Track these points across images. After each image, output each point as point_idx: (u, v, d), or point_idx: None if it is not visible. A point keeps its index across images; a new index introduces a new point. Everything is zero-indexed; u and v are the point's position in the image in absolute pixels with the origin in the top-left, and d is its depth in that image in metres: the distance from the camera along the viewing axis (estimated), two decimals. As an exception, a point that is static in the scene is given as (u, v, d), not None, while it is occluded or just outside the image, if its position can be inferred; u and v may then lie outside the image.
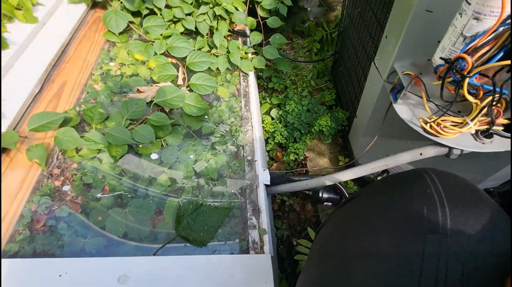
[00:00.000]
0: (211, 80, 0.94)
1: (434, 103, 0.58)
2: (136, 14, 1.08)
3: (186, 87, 0.94)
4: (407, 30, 0.57)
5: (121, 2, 1.01)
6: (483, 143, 0.55)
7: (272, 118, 1.23)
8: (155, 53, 1.00)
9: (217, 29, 1.09)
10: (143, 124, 0.76)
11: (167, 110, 0.86)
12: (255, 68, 1.12)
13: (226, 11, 1.07)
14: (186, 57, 0.99)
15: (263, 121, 1.20)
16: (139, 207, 0.67)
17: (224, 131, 0.89)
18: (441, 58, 0.47)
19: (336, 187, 0.85)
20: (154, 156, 0.76)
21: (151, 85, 0.91)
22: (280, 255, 0.99)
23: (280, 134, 1.16)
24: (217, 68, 1.03)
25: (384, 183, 0.41)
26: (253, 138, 0.89)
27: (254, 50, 1.15)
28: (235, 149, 0.86)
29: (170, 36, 1.02)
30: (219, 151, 0.83)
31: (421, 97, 0.59)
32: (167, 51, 1.01)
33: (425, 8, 0.52)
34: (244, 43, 1.19)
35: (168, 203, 0.70)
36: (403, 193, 0.35)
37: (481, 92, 0.50)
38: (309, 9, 1.68)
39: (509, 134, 0.54)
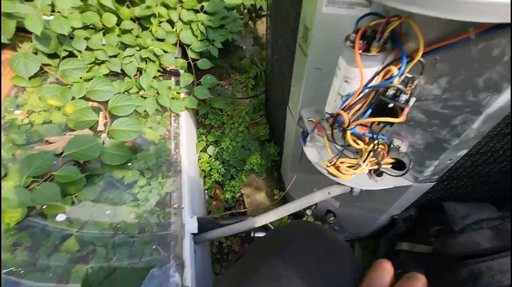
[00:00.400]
0: (135, 124, 0.90)
1: (335, 146, 0.64)
2: (53, 55, 1.01)
3: (108, 134, 0.89)
4: (305, 83, 0.63)
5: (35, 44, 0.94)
6: (376, 181, 0.61)
7: (210, 156, 1.22)
8: (73, 98, 0.94)
9: (145, 70, 1.07)
10: (47, 182, 0.69)
11: (81, 162, 0.79)
12: (187, 109, 1.12)
13: (154, 53, 1.07)
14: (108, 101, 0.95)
15: (199, 159, 1.18)
16: (36, 283, 0.58)
17: (150, 179, 0.84)
18: (326, 112, 0.52)
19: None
20: (60, 217, 0.68)
21: (65, 134, 0.84)
22: (219, 303, 0.94)
23: (217, 172, 1.15)
24: (145, 111, 1.00)
25: (262, 244, 0.44)
26: (181, 183, 0.86)
27: (186, 91, 1.15)
28: (160, 198, 0.81)
29: (91, 79, 0.98)
30: (141, 202, 0.78)
31: (326, 141, 0.64)
32: (87, 95, 0.95)
33: (315, 66, 0.58)
34: (178, 82, 1.19)
35: (75, 272, 0.62)
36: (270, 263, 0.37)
37: (366, 138, 0.57)
38: (244, 47, 1.79)
39: (396, 173, 0.61)
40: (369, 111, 0.48)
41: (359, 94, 0.47)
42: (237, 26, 1.28)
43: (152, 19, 1.06)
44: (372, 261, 0.95)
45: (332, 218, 0.91)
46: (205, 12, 1.19)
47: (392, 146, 0.57)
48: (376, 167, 0.61)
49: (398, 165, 0.63)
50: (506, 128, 0.53)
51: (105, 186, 0.79)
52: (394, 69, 0.43)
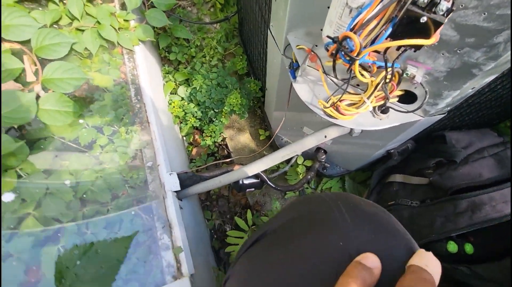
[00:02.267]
0: (75, 69, 0.70)
1: (332, 80, 0.52)
2: None
3: (42, 85, 0.69)
4: (293, -7, 0.45)
5: None
6: (381, 119, 0.52)
7: (182, 98, 1.05)
8: (-21, 39, 0.69)
9: (73, -9, 0.79)
10: (-28, 158, 0.54)
11: (17, 126, 0.62)
12: (142, 42, 0.89)
13: (79, -37, 0.77)
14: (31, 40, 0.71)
15: (170, 104, 1.02)
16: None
17: (112, 136, 0.71)
18: (327, 37, 0.38)
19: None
20: (8, 197, 0.56)
21: (-18, 91, 0.64)
22: (214, 247, 0.95)
23: (193, 116, 1.01)
24: (86, 48, 0.78)
25: (293, 221, 0.34)
26: (152, 137, 0.74)
27: (137, 17, 0.90)
28: (130, 156, 0.70)
29: (-3, 9, 0.70)
30: (107, 164, 0.66)
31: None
32: (-1, 33, 0.70)
33: (307, -36, 0.40)
34: (124, 6, 0.92)
35: (45, 254, 0.54)
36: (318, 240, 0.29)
37: (375, 68, 0.45)
38: (205, -50, 1.39)
39: (404, 108, 0.52)
40: (389, 31, 0.34)
41: (378, 4, 0.32)
42: None
43: None
44: (362, 192, 0.95)
45: (323, 156, 0.85)
46: None
47: (406, 74, 0.46)
48: (382, 102, 0.50)
49: (406, 96, 0.53)
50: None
51: (57, 152, 0.65)
52: (439, -42, 0.27)
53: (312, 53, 0.50)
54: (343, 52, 0.38)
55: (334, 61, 0.41)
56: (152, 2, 0.89)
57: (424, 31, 0.32)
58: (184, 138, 1.10)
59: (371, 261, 0.25)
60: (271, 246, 0.33)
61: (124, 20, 0.86)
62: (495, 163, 0.61)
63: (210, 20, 1.26)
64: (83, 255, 0.54)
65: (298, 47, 0.52)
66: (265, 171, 1.00)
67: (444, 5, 0.30)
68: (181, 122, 1.05)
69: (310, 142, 0.58)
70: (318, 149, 0.88)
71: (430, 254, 0.26)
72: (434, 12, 0.31)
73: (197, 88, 0.98)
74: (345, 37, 0.35)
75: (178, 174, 0.71)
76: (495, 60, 0.38)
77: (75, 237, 0.57)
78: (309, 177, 0.85)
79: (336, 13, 0.37)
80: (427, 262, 0.25)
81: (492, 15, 0.34)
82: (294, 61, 0.54)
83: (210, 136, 0.99)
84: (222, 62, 1.16)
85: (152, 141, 0.73)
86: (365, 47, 0.36)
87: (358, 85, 0.54)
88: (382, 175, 0.84)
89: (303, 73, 0.55)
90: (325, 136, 0.57)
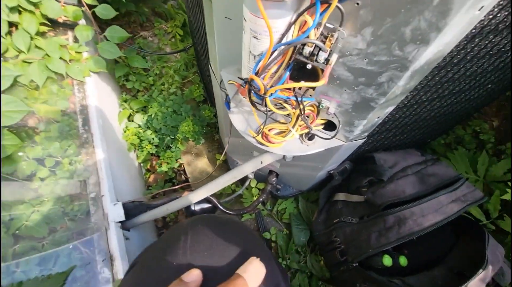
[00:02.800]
0: (17, 102, 0.70)
1: (260, 110, 0.56)
2: None
3: (-21, 118, 0.68)
4: (218, 37, 0.51)
5: None
6: (307, 145, 0.57)
7: (139, 125, 1.06)
8: None
9: (20, 25, 0.80)
10: None
11: None
12: (97, 72, 0.91)
13: (29, 0, 0.79)
14: (-29, 72, 0.70)
15: (125, 131, 1.02)
16: None
17: (54, 167, 0.70)
18: (239, 78, 0.42)
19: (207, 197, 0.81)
20: None
21: None
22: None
23: (150, 142, 1.02)
24: (33, 81, 0.78)
25: (152, 250, 0.38)
26: (97, 167, 0.74)
27: (89, 48, 0.92)
28: (72, 188, 0.69)
29: None
30: (46, 197, 0.65)
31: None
32: None
33: (224, 15, 0.45)
34: (77, 39, 0.94)
35: (-35, 297, 0.51)
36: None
37: (293, 102, 0.50)
38: (166, -15, 1.47)
39: (327, 135, 0.57)
40: (287, 74, 0.40)
41: (271, 53, 0.37)
42: (145, -43, 1.00)
43: None
44: (314, 211, 0.99)
45: (274, 179, 0.89)
46: None
47: (321, 107, 0.52)
48: (307, 130, 0.55)
49: (330, 124, 0.58)
50: (432, 80, 0.50)
51: (-9, 186, 0.63)
52: (309, 19, 0.33)
53: (241, 87, 0.55)
54: (253, 91, 0.42)
55: (249, 98, 0.46)
56: (105, 35, 0.92)
57: (314, 75, 0.38)
58: (142, 165, 1.10)
59: (190, 276, 0.28)
60: (132, 275, 0.36)
61: (76, 52, 0.88)
62: (416, 179, 0.68)
63: (170, 50, 1.32)
64: (9, 297, 0.52)
65: (229, 82, 0.56)
66: (220, 195, 1.02)
67: (322, 56, 0.35)
68: (137, 149, 1.05)
69: (247, 168, 0.62)
70: (270, 171, 0.92)
71: (254, 261, 0.29)
72: (317, 61, 0.36)
73: (153, 116, 1.00)
74: (252, 79, 0.40)
75: (123, 204, 0.71)
76: (384, 96, 0.44)
77: (3, 276, 0.54)
78: (261, 199, 0.88)
79: (245, 58, 0.42)
80: (246, 268, 0.28)
81: (372, 61, 0.40)
82: (227, 95, 0.59)
83: (167, 162, 1.00)
84: (181, 90, 1.20)
85: (98, 171, 0.73)
86: (271, 86, 0.41)
87: (288, 114, 0.59)
88: (329, 194, 0.89)
89: (238, 104, 0.60)
90: (261, 162, 0.61)
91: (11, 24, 0.81)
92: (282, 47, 0.37)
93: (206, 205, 0.82)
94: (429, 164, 0.72)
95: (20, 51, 0.79)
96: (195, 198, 0.67)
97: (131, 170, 0.97)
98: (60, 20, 0.92)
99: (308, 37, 0.34)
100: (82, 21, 0.93)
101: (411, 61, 0.38)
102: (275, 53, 0.38)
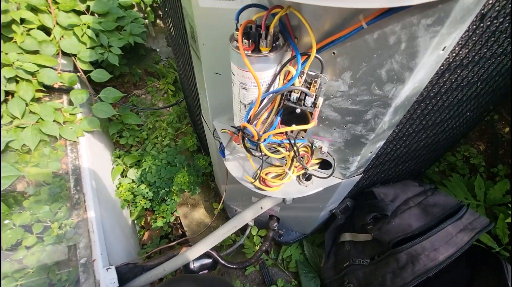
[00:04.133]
0: (8, 167, 0.69)
1: (255, 156, 0.57)
2: None
3: (-34, 188, 0.65)
4: (208, 90, 0.54)
5: None
6: (306, 186, 0.57)
7: (133, 181, 1.04)
8: None
9: (16, 93, 0.83)
10: None
11: None
12: (90, 132, 0.92)
13: (26, 70, 0.84)
14: (-37, 142, 0.70)
15: (118, 188, 1.00)
16: None
17: (42, 233, 0.66)
18: (232, 126, 0.44)
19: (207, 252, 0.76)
20: None
21: None
22: None
23: (144, 197, 0.99)
24: (25, 145, 0.78)
25: None
26: (89, 229, 0.70)
27: (83, 110, 0.95)
28: (60, 255, 0.64)
29: None
30: (31, 269, 0.60)
31: (245, 153, 0.57)
32: None
33: (213, 71, 0.49)
34: (71, 102, 0.97)
35: None
36: None
37: (287, 145, 0.51)
38: (158, 49, 1.60)
39: (324, 174, 0.57)
40: (278, 119, 0.41)
41: (261, 102, 0.39)
42: (138, 27, 1.11)
43: (14, 27, 0.82)
44: (321, 255, 0.93)
45: (275, 224, 0.85)
46: (93, 14, 0.98)
47: (314, 147, 0.53)
48: (303, 171, 0.56)
49: (326, 163, 0.59)
50: (415, 113, 0.52)
51: (-30, 262, 0.58)
52: (292, 70, 0.36)
53: (235, 135, 0.56)
54: (247, 138, 0.43)
55: (244, 145, 0.47)
56: (99, 97, 0.96)
57: (303, 118, 0.40)
58: (135, 222, 1.05)
59: None
60: None
61: (70, 114, 0.90)
62: (420, 211, 0.66)
63: (163, 105, 1.37)
64: None
65: (222, 131, 0.58)
66: (220, 247, 0.96)
67: (309, 100, 0.38)
68: (131, 206, 1.02)
69: (248, 216, 0.60)
70: (271, 216, 0.89)
71: None
72: (305, 105, 0.38)
73: (147, 169, 0.99)
74: (244, 127, 0.41)
75: (116, 268, 0.65)
76: (373, 131, 0.46)
77: None
78: (264, 247, 0.83)
79: (237, 108, 0.44)
80: None
81: (355, 101, 0.43)
82: (221, 143, 0.60)
83: (162, 217, 0.96)
84: (175, 141, 1.21)
85: (89, 233, 0.69)
86: (264, 132, 0.42)
87: (283, 157, 0.60)
88: (334, 235, 0.85)
89: (233, 151, 0.60)
90: (261, 208, 0.59)
91: (7, 93, 0.84)
92: (270, 95, 0.40)
93: (206, 261, 0.76)
94: (429, 194, 0.71)
95: (14, 117, 0.80)
96: (193, 254, 0.63)
97: (124, 229, 0.92)
98: (56, 86, 0.97)
99: (293, 85, 0.37)
100: (77, 85, 0.98)
101: (391, 99, 0.40)
102: (265, 101, 0.40)
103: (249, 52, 0.33)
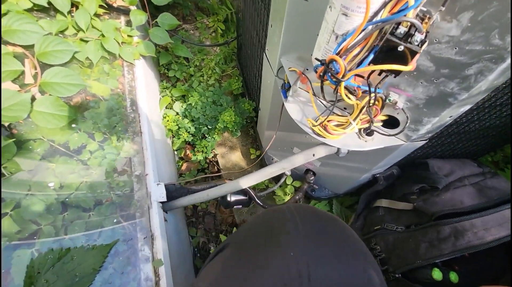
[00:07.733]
0: (74, 76, 0.72)
1: (321, 102, 0.55)
2: None
3: (39, 88, 0.70)
4: (287, 21, 0.50)
5: None
6: (366, 141, 0.54)
7: (177, 113, 1.07)
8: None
9: (81, 5, 0.83)
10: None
11: (7, 125, 0.62)
12: (144, 57, 0.93)
13: (92, -18, 0.83)
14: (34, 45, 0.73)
15: (164, 117, 1.04)
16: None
17: (102, 142, 0.71)
18: (316, 59, 0.41)
19: (245, 189, 0.79)
20: (-14, 195, 0.55)
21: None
22: (196, 266, 0.92)
23: (186, 131, 1.03)
24: (88, 58, 0.81)
25: (251, 234, 0.35)
26: (142, 147, 0.74)
27: (141, 33, 0.94)
28: (118, 164, 0.70)
29: (6, 14, 0.74)
30: (94, 170, 0.66)
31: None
32: (4, 36, 0.73)
33: (301, -4, 0.45)
34: (129, 23, 0.97)
35: (17, 257, 0.52)
36: (270, 254, 0.30)
37: (360, 93, 0.48)
38: (212, -18, 1.50)
39: (388, 131, 0.54)
40: (370, 57, 0.38)
41: (360, 32, 0.35)
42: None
43: None
44: (349, 216, 0.95)
45: (312, 178, 0.86)
46: None
47: (388, 100, 0.49)
48: (367, 125, 0.53)
49: (389, 122, 0.56)
50: (518, 79, 0.46)
51: (45, 153, 0.64)
52: (413, -3, 0.31)
53: (303, 75, 0.54)
54: (330, 74, 0.41)
55: (322, 82, 0.44)
56: (156, 21, 0.94)
57: (402, 59, 0.36)
58: (176, 152, 1.11)
59: None
60: (229, 259, 0.34)
61: (128, 35, 0.90)
62: (475, 191, 0.63)
63: (211, 43, 1.33)
64: (57, 261, 0.52)
65: (290, 69, 0.55)
66: (253, 189, 1.00)
67: (418, 37, 0.33)
68: (174, 136, 1.06)
69: (298, 160, 0.60)
70: (307, 170, 0.89)
71: None
72: (410, 43, 0.34)
73: (193, 105, 1.01)
74: (332, 60, 0.38)
75: (165, 185, 0.71)
76: (467, 91, 0.41)
77: (51, 241, 0.55)
78: (297, 197, 0.85)
79: (324, 39, 0.40)
80: None
81: (463, 50, 0.38)
82: (286, 82, 0.57)
83: (202, 151, 1.00)
84: (219, 82, 1.20)
85: (143, 150, 0.73)
86: (350, 70, 0.39)
87: (345, 108, 0.57)
88: (369, 200, 0.85)
89: (294, 94, 0.58)
90: (313, 155, 0.59)
91: (72, 5, 0.84)
92: (370, 26, 0.36)
93: (242, 197, 0.80)
94: (488, 177, 0.67)
95: (79, 29, 0.82)
96: (238, 185, 0.66)
97: (168, 155, 0.98)
98: (115, 5, 0.96)
99: (405, 16, 0.33)
100: (134, 7, 0.96)
101: (510, 52, 0.35)
102: (361, 34, 0.36)
103: (372, -35, 0.29)
